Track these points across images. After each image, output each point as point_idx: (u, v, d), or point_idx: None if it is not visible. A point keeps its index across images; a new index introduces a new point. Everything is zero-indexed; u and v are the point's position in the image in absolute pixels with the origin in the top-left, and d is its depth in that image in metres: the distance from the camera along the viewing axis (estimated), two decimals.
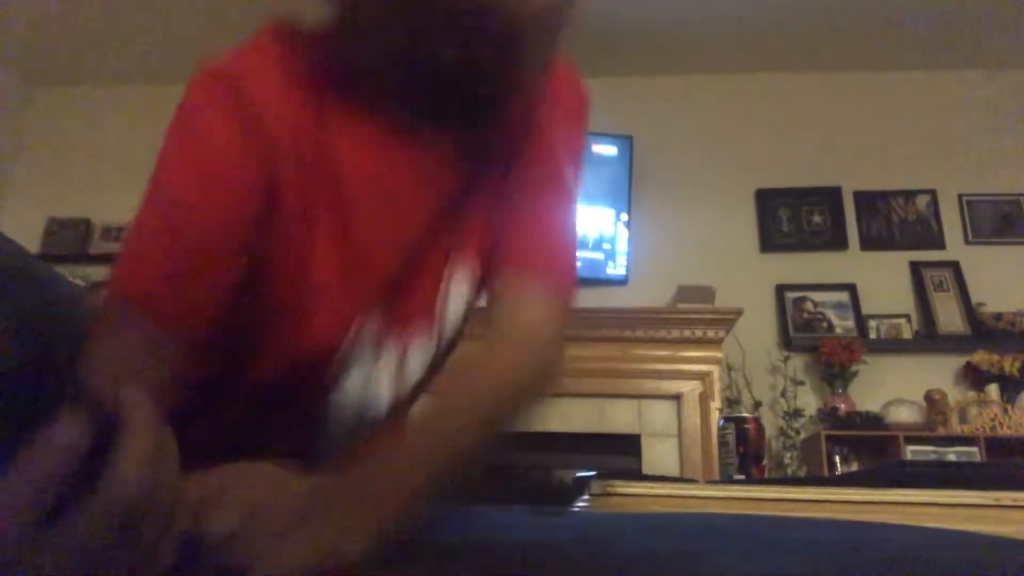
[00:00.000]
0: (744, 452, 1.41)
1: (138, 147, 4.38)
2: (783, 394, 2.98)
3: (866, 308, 3.18)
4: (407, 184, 0.60)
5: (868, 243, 3.32)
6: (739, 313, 2.91)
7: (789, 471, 2.82)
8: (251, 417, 0.63)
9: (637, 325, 2.94)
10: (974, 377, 2.98)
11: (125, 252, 0.57)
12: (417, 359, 0.65)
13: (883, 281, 3.24)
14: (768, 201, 3.40)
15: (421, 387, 0.67)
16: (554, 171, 0.69)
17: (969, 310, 3.11)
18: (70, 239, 3.57)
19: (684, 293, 3.00)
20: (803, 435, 2.92)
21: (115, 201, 3.65)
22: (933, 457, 2.67)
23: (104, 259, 3.52)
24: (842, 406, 2.86)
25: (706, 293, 2.98)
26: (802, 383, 3.03)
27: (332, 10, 0.59)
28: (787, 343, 3.13)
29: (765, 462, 1.44)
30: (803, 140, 3.49)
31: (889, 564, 0.37)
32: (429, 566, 0.42)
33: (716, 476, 2.56)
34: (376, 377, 0.63)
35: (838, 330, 3.14)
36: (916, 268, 3.24)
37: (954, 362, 3.06)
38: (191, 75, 0.62)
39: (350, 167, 0.58)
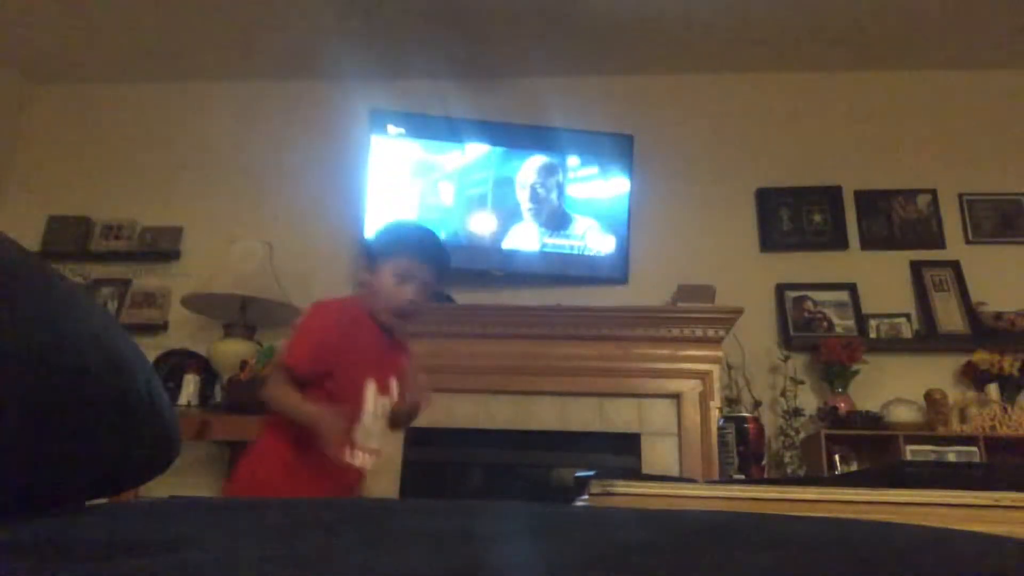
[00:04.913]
0: (744, 451, 1.41)
1: (137, 146, 4.39)
2: (783, 393, 2.98)
3: (866, 307, 3.18)
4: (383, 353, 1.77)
5: (868, 242, 3.32)
6: (739, 312, 2.91)
7: (789, 470, 2.82)
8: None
9: (637, 324, 2.94)
10: (974, 377, 2.98)
11: (291, 344, 1.69)
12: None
13: (883, 280, 3.24)
14: (768, 200, 3.40)
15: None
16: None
17: (969, 310, 3.11)
18: (70, 237, 3.57)
19: (684, 292, 3.00)
20: (803, 435, 2.93)
21: (115, 199, 3.67)
22: (933, 457, 2.67)
23: (104, 257, 3.53)
24: (842, 405, 2.86)
25: (706, 292, 2.98)
26: (802, 382, 3.03)
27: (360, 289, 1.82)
28: (787, 342, 3.13)
29: (765, 461, 1.44)
30: (803, 140, 3.49)
31: (894, 562, 0.37)
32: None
33: (716, 475, 2.56)
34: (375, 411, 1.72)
35: (838, 329, 3.14)
36: (916, 268, 3.24)
37: (954, 362, 3.06)
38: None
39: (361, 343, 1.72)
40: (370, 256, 1.80)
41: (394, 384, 1.78)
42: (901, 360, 3.09)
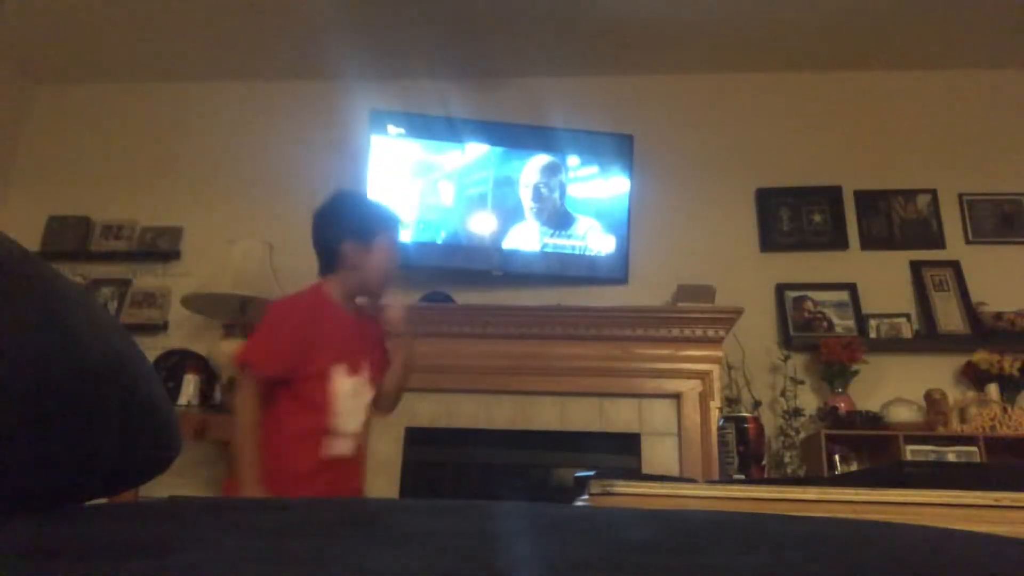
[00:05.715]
0: (744, 451, 1.41)
1: (137, 146, 4.39)
2: (783, 393, 2.98)
3: (866, 307, 3.18)
4: (354, 336, 1.82)
5: (868, 242, 3.32)
6: (739, 312, 2.91)
7: (789, 470, 2.82)
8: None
9: (637, 324, 2.94)
10: (974, 377, 2.98)
11: (253, 346, 1.73)
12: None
13: (883, 280, 3.24)
14: (768, 200, 3.40)
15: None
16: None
17: (969, 310, 3.11)
18: (70, 237, 3.57)
19: (684, 292, 3.00)
20: (803, 434, 2.93)
21: (115, 199, 3.67)
22: (933, 457, 2.67)
23: (104, 257, 3.53)
24: (842, 405, 2.86)
25: (706, 292, 2.98)
26: (802, 382, 3.03)
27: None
28: (787, 342, 3.13)
29: (765, 461, 1.44)
30: (803, 140, 3.49)
31: (894, 561, 0.37)
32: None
33: (716, 475, 2.56)
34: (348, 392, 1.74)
35: (838, 329, 3.14)
36: (916, 268, 3.24)
37: (954, 362, 3.06)
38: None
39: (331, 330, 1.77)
40: (360, 235, 1.81)
41: (366, 364, 1.80)
42: (901, 360, 3.09)
